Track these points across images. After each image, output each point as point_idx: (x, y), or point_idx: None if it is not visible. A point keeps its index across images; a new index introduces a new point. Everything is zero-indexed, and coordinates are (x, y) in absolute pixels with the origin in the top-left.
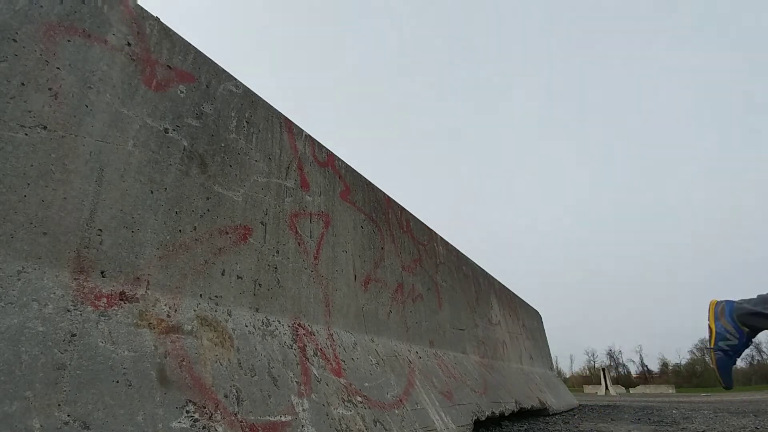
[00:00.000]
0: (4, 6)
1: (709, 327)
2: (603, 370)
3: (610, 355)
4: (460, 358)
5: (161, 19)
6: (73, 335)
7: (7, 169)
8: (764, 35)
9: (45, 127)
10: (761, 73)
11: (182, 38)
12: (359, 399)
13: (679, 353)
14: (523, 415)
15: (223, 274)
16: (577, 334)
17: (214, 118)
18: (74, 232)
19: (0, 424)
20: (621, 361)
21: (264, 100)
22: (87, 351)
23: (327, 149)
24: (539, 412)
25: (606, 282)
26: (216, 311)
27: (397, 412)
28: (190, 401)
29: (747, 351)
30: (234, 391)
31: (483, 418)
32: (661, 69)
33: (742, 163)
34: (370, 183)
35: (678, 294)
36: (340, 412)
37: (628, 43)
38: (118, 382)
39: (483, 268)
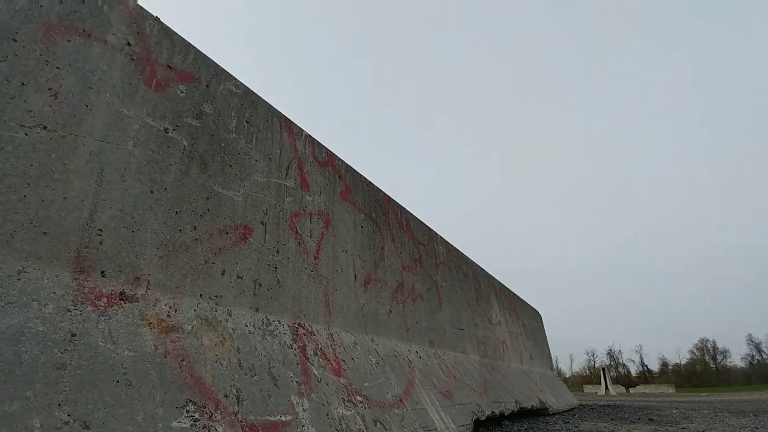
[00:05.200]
0: (4, 6)
1: None
2: (603, 369)
3: (610, 354)
4: (460, 358)
5: (161, 19)
6: (74, 335)
7: (7, 169)
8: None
9: (45, 127)
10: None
11: (182, 38)
12: (359, 399)
13: (679, 353)
14: (523, 414)
15: (223, 274)
16: (577, 334)
17: (214, 118)
18: (74, 232)
19: (0, 423)
20: (621, 360)
21: (264, 100)
22: (87, 351)
23: (327, 149)
24: (539, 412)
25: (606, 282)
26: (216, 311)
27: (397, 411)
28: (190, 401)
29: (746, 350)
30: (234, 390)
31: (483, 418)
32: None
33: (745, 160)
34: (370, 183)
35: (678, 294)
36: (340, 411)
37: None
38: (118, 381)
39: (483, 267)
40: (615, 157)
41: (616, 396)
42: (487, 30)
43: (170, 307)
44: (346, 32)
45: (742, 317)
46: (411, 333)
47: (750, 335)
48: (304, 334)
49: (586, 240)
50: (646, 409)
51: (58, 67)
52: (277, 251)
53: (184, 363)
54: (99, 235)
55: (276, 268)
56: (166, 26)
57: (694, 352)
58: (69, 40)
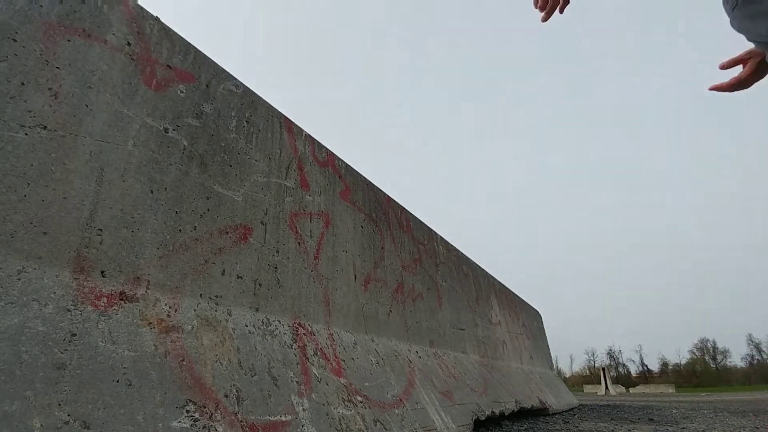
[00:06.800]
0: (4, 6)
1: None
2: (603, 369)
3: (610, 354)
4: (461, 358)
5: (161, 19)
6: (74, 335)
7: (7, 169)
8: None
9: (45, 127)
10: None
11: (182, 38)
12: (359, 399)
13: (679, 353)
14: (523, 414)
15: (223, 274)
16: (577, 334)
17: (214, 117)
18: (74, 232)
19: (0, 423)
20: (621, 360)
21: (264, 100)
22: (87, 351)
23: (327, 149)
24: (539, 412)
25: (607, 282)
26: (216, 311)
27: (397, 411)
28: (191, 401)
29: (746, 350)
30: (234, 390)
31: (483, 418)
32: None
33: (745, 158)
34: (370, 183)
35: (679, 294)
36: (340, 411)
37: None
38: (118, 381)
39: (483, 267)
40: (616, 157)
41: (616, 396)
42: (486, 26)
43: (170, 307)
44: (338, 34)
45: (742, 317)
46: (411, 333)
47: (750, 335)
48: (304, 334)
49: (587, 240)
50: (646, 409)
51: (58, 67)
52: (277, 251)
53: (184, 363)
54: (99, 235)
55: (276, 268)
56: (166, 26)
57: (694, 352)
58: (69, 40)
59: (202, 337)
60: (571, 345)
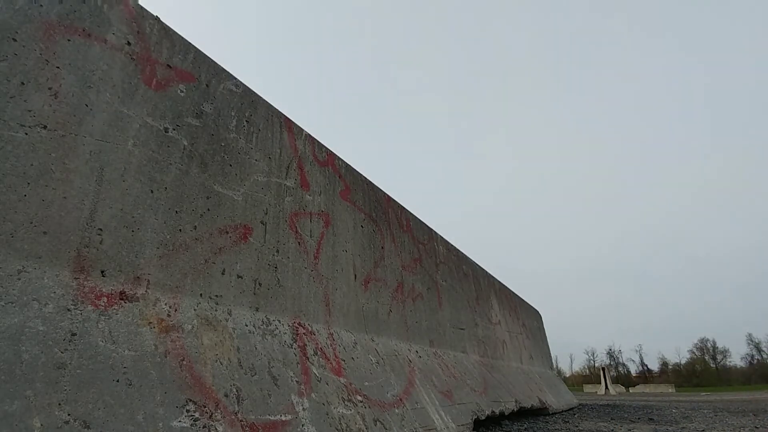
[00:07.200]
0: (4, 5)
1: None
2: (603, 369)
3: (610, 354)
4: (460, 358)
5: (161, 19)
6: (74, 334)
7: (7, 168)
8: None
9: (45, 127)
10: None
11: (182, 37)
12: (359, 398)
13: (679, 352)
14: (523, 414)
15: (223, 274)
16: (577, 334)
17: (214, 117)
18: (74, 232)
19: (0, 423)
20: (621, 360)
21: (264, 100)
22: (87, 350)
23: (327, 148)
24: (539, 411)
25: (606, 282)
26: (216, 311)
27: (397, 411)
28: (191, 400)
29: (746, 350)
30: (234, 390)
31: (483, 418)
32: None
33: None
34: (370, 182)
35: (678, 294)
36: (340, 411)
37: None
38: (118, 381)
39: (483, 267)
40: (614, 156)
41: (615, 395)
42: (476, 23)
43: (170, 307)
44: (342, 26)
45: (742, 317)
46: (411, 332)
47: (750, 335)
48: (304, 333)
49: (586, 240)
50: (646, 409)
51: (58, 67)
52: (277, 251)
53: (184, 362)
54: (99, 234)
55: (276, 267)
56: (166, 26)
57: (694, 352)
58: (69, 40)
59: (202, 336)
60: (571, 345)
